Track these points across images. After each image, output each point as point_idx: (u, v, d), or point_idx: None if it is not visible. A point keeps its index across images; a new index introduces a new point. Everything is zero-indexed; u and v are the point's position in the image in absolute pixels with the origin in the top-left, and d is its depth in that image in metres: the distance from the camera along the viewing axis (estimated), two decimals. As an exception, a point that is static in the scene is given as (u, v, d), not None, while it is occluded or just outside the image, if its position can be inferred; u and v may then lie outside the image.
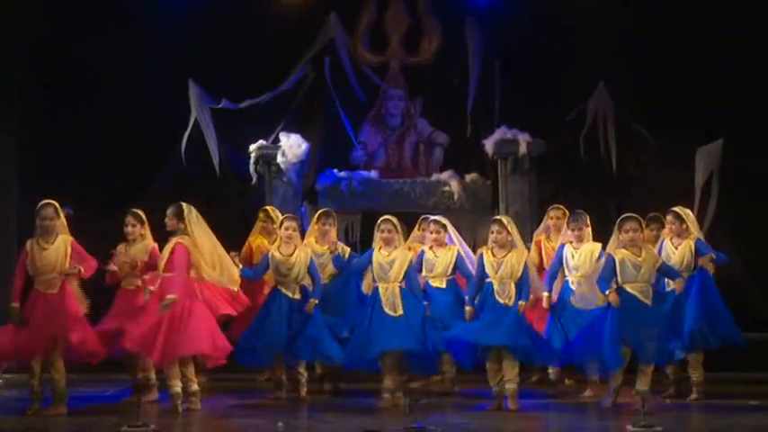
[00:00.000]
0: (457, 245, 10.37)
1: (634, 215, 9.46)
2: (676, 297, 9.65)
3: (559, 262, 10.26)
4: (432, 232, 10.30)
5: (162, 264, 9.40)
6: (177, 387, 9.31)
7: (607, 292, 9.29)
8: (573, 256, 10.26)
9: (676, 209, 10.18)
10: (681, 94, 13.20)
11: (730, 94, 13.13)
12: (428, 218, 10.82)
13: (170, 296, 9.23)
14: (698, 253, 10.01)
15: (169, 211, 9.51)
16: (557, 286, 10.25)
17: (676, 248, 10.03)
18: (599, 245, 10.26)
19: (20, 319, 9.23)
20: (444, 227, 10.33)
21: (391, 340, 9.50)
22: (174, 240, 9.42)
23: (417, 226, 10.90)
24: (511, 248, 9.51)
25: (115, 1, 13.35)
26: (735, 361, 10.43)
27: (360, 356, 9.65)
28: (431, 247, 10.33)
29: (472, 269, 9.91)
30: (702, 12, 13.15)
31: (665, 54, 13.32)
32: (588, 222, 10.34)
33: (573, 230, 10.27)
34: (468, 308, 9.55)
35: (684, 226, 10.04)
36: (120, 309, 9.72)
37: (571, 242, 10.31)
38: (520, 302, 9.40)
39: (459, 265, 10.26)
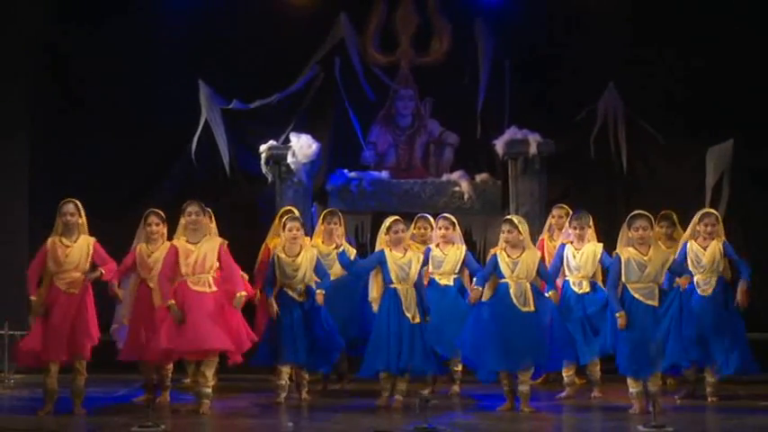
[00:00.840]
0: (463, 244, 10.41)
1: (644, 213, 9.35)
2: (705, 300, 9.76)
3: (560, 262, 10.23)
4: (440, 228, 10.31)
5: (214, 264, 9.37)
6: (209, 388, 9.34)
7: (617, 315, 9.20)
8: (574, 257, 10.23)
9: (713, 210, 10.27)
10: (691, 93, 13.16)
11: (741, 93, 13.09)
12: (424, 216, 10.83)
13: (241, 293, 9.34)
14: (725, 254, 10.03)
15: (198, 209, 9.45)
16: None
17: (705, 249, 10.04)
18: (600, 245, 10.26)
19: (42, 309, 9.25)
20: (453, 224, 10.35)
21: (412, 359, 9.53)
22: (217, 241, 9.45)
23: (413, 224, 10.91)
24: (524, 248, 9.49)
25: (126, 2, 13.35)
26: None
27: (383, 364, 9.60)
28: (437, 245, 10.33)
29: None
30: (712, 11, 13.11)
31: (674, 54, 13.28)
32: (591, 223, 10.33)
33: (575, 229, 10.25)
34: (477, 288, 9.46)
35: (718, 228, 10.08)
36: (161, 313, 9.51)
37: (572, 242, 10.29)
38: (550, 292, 9.49)
39: (467, 263, 10.28)
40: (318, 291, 9.80)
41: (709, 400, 10.04)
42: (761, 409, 9.68)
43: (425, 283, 9.97)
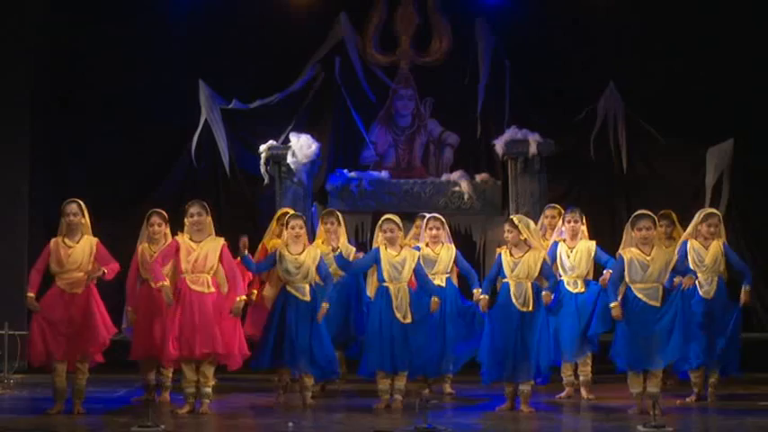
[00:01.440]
0: (451, 243, 10.42)
1: (648, 213, 9.34)
2: (708, 302, 9.89)
3: (553, 260, 10.22)
4: (431, 228, 10.27)
5: (215, 264, 9.36)
6: (209, 387, 9.36)
7: (611, 305, 9.22)
8: (568, 256, 10.23)
9: (716, 211, 10.29)
10: (691, 93, 13.16)
11: (741, 93, 13.10)
12: (422, 215, 10.82)
13: (241, 298, 9.35)
14: (726, 256, 10.03)
15: (200, 209, 9.41)
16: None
17: (707, 249, 10.04)
18: (593, 242, 10.27)
19: (36, 307, 9.26)
20: (443, 223, 10.33)
21: (406, 359, 9.58)
22: (220, 242, 9.43)
23: (414, 224, 10.91)
24: (528, 248, 9.48)
25: (127, 2, 13.35)
26: (743, 361, 10.41)
27: (378, 363, 9.62)
28: (427, 244, 10.31)
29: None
30: (713, 11, 13.12)
31: (675, 53, 13.29)
32: (584, 220, 10.33)
33: (569, 222, 10.24)
34: (483, 297, 9.45)
35: (720, 228, 10.09)
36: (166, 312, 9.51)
37: (564, 240, 10.28)
38: (543, 293, 9.39)
39: (458, 262, 10.28)
40: (324, 304, 9.71)
41: (710, 400, 10.04)
42: (761, 409, 9.68)
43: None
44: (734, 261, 10.12)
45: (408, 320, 9.61)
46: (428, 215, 10.54)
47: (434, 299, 9.66)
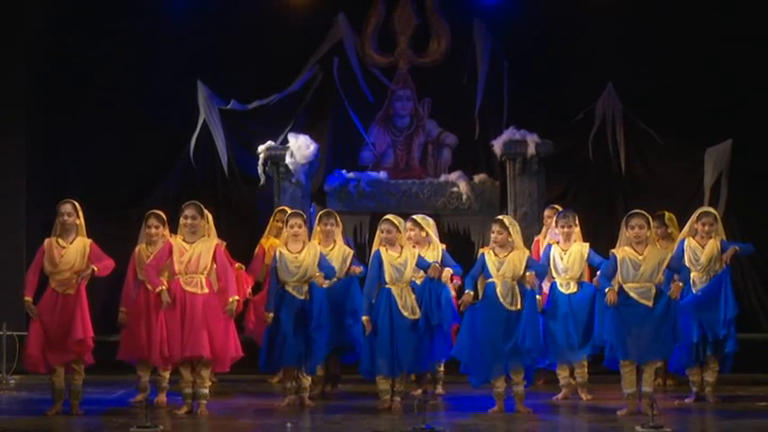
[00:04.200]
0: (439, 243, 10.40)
1: (641, 211, 9.39)
2: (705, 295, 9.93)
3: (547, 262, 10.20)
4: (406, 230, 10.20)
5: (208, 264, 9.33)
6: (206, 388, 9.35)
7: (606, 290, 9.25)
8: (561, 258, 10.22)
9: (711, 209, 10.31)
10: (690, 94, 13.16)
11: (739, 93, 13.10)
12: (411, 218, 10.81)
13: (233, 297, 9.30)
14: (723, 250, 10.04)
15: (195, 212, 9.38)
16: (545, 288, 10.26)
17: (703, 248, 10.05)
18: (587, 245, 10.27)
19: (35, 314, 9.25)
20: (419, 225, 10.30)
21: (410, 359, 9.56)
22: (213, 242, 9.41)
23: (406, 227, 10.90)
24: (512, 248, 9.48)
25: (124, 2, 13.35)
26: (743, 362, 10.41)
27: (382, 367, 9.59)
28: (414, 246, 10.31)
29: None
30: (712, 11, 13.11)
31: (673, 54, 13.28)
32: (577, 222, 10.33)
33: (562, 227, 10.24)
34: (468, 292, 9.40)
35: (716, 227, 10.09)
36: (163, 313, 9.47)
37: (558, 242, 10.28)
38: (528, 273, 9.36)
39: (444, 262, 10.26)
40: (318, 274, 9.67)
41: (709, 400, 10.04)
42: (759, 410, 9.68)
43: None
44: (731, 246, 10.09)
45: (417, 316, 9.59)
46: (413, 217, 10.50)
47: (433, 264, 9.64)
